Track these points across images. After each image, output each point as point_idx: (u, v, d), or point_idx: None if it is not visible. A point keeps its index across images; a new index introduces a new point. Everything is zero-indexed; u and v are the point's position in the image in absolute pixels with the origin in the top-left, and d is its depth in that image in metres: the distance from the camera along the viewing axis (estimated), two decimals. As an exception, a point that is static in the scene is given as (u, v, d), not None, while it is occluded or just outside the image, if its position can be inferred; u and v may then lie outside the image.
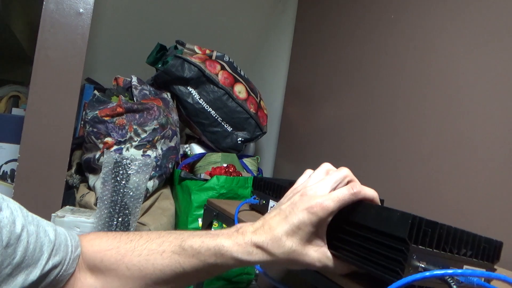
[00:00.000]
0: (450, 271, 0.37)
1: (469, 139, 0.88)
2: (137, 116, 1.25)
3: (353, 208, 0.46)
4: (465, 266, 0.46)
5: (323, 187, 0.45)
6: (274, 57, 1.83)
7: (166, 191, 1.44)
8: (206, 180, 1.36)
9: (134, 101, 1.32)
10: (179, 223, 1.38)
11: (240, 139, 1.50)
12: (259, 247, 0.43)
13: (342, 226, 0.48)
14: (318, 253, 0.44)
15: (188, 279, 0.47)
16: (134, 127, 1.25)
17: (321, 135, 1.42)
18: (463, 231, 0.45)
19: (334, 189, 0.46)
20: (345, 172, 0.48)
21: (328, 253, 0.46)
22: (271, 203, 0.82)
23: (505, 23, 0.83)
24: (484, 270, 0.48)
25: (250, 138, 1.52)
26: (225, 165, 1.46)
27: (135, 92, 1.32)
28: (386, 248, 0.43)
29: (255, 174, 1.55)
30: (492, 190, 0.82)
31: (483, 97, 0.86)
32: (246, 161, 1.59)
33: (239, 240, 0.44)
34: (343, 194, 0.44)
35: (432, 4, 1.03)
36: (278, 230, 0.43)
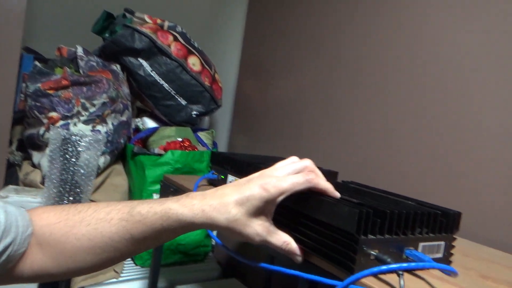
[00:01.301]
0: (384, 267, 0.39)
1: (420, 112, 0.93)
2: (85, 89, 1.18)
3: (309, 201, 0.49)
4: (421, 244, 0.49)
5: (282, 171, 0.48)
6: (228, 28, 1.79)
7: (118, 167, 1.39)
8: (160, 155, 1.33)
9: (80, 73, 1.24)
10: (133, 199, 1.35)
11: (194, 112, 1.48)
12: (206, 212, 0.44)
13: (299, 219, 0.51)
14: (260, 228, 0.46)
15: (137, 246, 0.47)
16: (82, 101, 1.18)
17: (277, 109, 1.43)
18: (416, 213, 0.48)
19: None
20: (306, 163, 0.50)
21: (270, 230, 0.47)
22: (230, 178, 0.83)
23: None
24: (442, 242, 0.52)
25: (205, 111, 1.49)
26: (179, 139, 1.44)
27: (81, 63, 1.24)
28: (337, 242, 0.46)
29: (210, 148, 1.54)
30: (449, 160, 0.88)
31: (437, 65, 0.91)
32: (201, 134, 1.57)
33: (187, 203, 0.45)
34: (298, 178, 0.46)
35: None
36: (228, 197, 0.45)
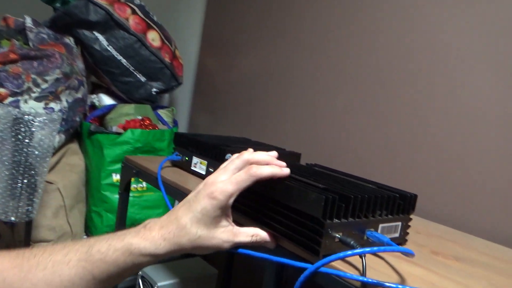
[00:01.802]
0: (349, 252, 0.42)
1: (381, 96, 0.97)
2: (35, 63, 1.11)
3: (277, 187, 0.50)
4: (380, 225, 0.52)
5: (224, 174, 0.48)
6: (189, 2, 1.73)
7: (74, 146, 1.34)
8: (119, 133, 1.29)
9: (30, 46, 1.15)
10: (91, 179, 1.31)
11: (154, 90, 1.43)
12: (167, 239, 0.45)
13: (268, 204, 0.52)
14: (225, 234, 0.47)
15: (99, 285, 0.45)
16: (33, 76, 1.11)
17: (240, 87, 1.42)
18: (376, 197, 0.51)
19: None
20: (245, 156, 0.50)
21: (235, 230, 0.48)
22: (195, 159, 0.83)
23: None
24: (399, 223, 0.55)
25: (165, 89, 1.46)
26: (139, 117, 1.40)
27: (31, 35, 1.16)
28: (305, 226, 0.48)
29: (171, 126, 1.52)
30: (406, 142, 0.92)
31: (395, 45, 0.94)
32: (161, 112, 1.53)
33: (147, 235, 0.45)
34: (240, 176, 0.47)
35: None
36: (183, 219, 0.45)
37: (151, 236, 0.45)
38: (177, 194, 0.75)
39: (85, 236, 1.33)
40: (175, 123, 1.60)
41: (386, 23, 0.95)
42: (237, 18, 1.45)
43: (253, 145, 0.91)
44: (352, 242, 0.46)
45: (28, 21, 1.17)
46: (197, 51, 1.65)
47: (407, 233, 0.58)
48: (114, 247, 0.44)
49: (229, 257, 1.22)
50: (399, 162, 0.90)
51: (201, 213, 0.45)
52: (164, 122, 1.50)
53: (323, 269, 0.43)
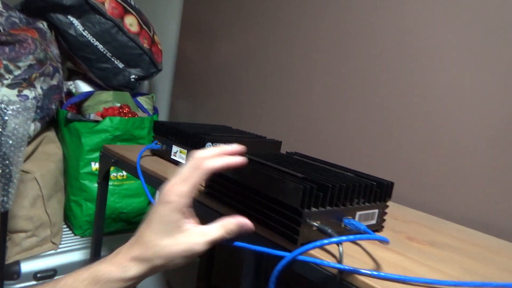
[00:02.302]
0: (326, 240, 0.43)
1: (360, 83, 0.97)
2: (7, 49, 1.07)
3: (257, 177, 0.51)
4: (358, 213, 0.53)
5: (176, 177, 0.45)
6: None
7: (51, 134, 1.31)
8: (97, 121, 1.26)
9: (0, 30, 1.11)
10: (69, 168, 1.29)
11: (133, 76, 1.41)
12: (134, 259, 0.42)
13: (248, 193, 0.53)
14: (192, 236, 0.43)
15: None
16: (4, 62, 1.07)
17: (220, 74, 1.40)
18: (354, 185, 0.51)
19: None
20: (195, 155, 0.46)
21: (202, 229, 0.45)
22: (174, 148, 0.82)
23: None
24: (376, 210, 0.56)
25: (144, 75, 1.43)
26: (118, 104, 1.37)
27: (1, 19, 1.11)
28: (283, 216, 0.48)
29: (151, 114, 1.49)
30: (384, 130, 0.93)
31: (370, 32, 0.95)
32: (141, 99, 1.51)
33: (113, 260, 0.43)
34: (190, 173, 0.44)
35: None
36: (145, 234, 0.43)
37: (117, 259, 0.42)
38: (157, 183, 0.74)
39: (64, 226, 1.31)
40: (155, 110, 1.58)
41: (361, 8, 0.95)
42: (216, 1, 1.42)
43: (233, 133, 0.90)
44: (329, 231, 0.46)
45: (-2, 5, 1.12)
46: (177, 37, 1.62)
47: (384, 220, 0.59)
48: (81, 278, 0.41)
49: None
50: (377, 149, 0.92)
51: (160, 222, 0.43)
52: (144, 110, 1.48)
53: (300, 257, 0.44)
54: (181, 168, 0.46)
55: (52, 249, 1.19)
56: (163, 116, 1.70)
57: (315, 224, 0.47)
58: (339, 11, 1.01)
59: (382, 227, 0.59)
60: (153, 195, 1.23)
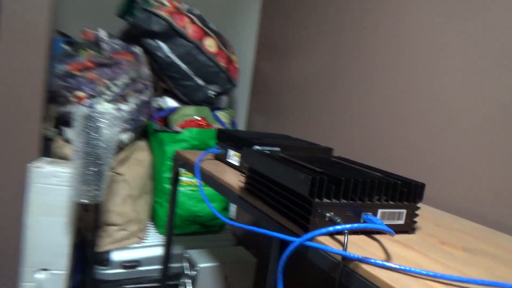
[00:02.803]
0: (331, 228, 0.45)
1: (417, 102, 0.95)
2: (107, 70, 1.28)
3: (277, 169, 0.55)
4: (379, 210, 0.54)
5: None
6: (245, 10, 1.83)
7: (142, 143, 1.50)
8: (178, 132, 1.42)
9: (103, 55, 1.34)
10: (155, 173, 1.47)
11: (211, 92, 1.55)
12: None
13: (269, 184, 0.58)
14: None
15: None
16: (105, 81, 1.28)
17: (293, 89, 1.47)
18: (373, 181, 0.53)
19: None
20: None
21: None
22: (230, 152, 0.90)
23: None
24: (403, 210, 0.57)
25: (221, 91, 1.56)
26: (197, 117, 1.52)
27: (105, 46, 1.34)
28: (296, 204, 0.52)
29: (228, 127, 1.62)
30: (438, 142, 0.90)
31: (425, 64, 0.93)
32: (219, 113, 1.64)
33: None
34: None
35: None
36: None
37: None
38: (214, 183, 0.82)
39: (150, 224, 1.49)
40: (233, 123, 1.70)
41: (429, 41, 0.94)
42: (289, 23, 1.51)
43: (291, 141, 0.96)
44: (338, 221, 0.49)
45: (103, 34, 1.35)
46: (254, 55, 1.74)
47: (415, 222, 0.58)
48: None
49: (268, 249, 1.27)
50: (428, 158, 0.88)
51: None
52: (221, 123, 1.61)
53: (308, 243, 0.48)
54: None
55: (137, 243, 1.35)
56: (240, 129, 1.82)
57: (327, 214, 0.50)
58: (393, 29, 1.01)
59: (413, 229, 0.59)
60: (219, 200, 1.33)
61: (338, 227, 0.46)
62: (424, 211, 0.77)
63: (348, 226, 0.46)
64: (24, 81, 1.17)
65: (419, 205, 0.82)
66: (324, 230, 0.46)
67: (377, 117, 1.06)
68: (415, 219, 0.58)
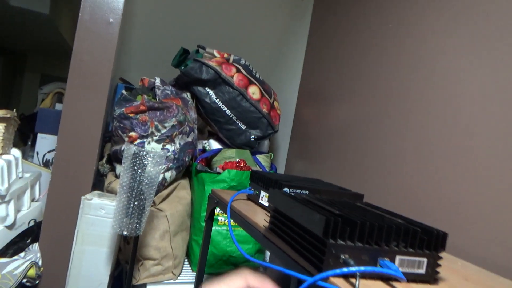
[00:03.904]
0: (338, 270, 0.47)
1: (449, 150, 0.95)
2: (158, 113, 1.40)
3: (296, 209, 0.58)
4: (398, 257, 0.55)
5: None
6: (290, 60, 1.93)
7: (184, 182, 1.58)
8: (219, 173, 1.49)
9: (156, 100, 1.46)
10: (194, 211, 1.53)
11: (253, 136, 1.62)
12: None
13: (288, 223, 0.60)
14: None
15: None
16: (155, 123, 1.40)
17: (329, 135, 1.51)
18: (390, 226, 0.54)
19: None
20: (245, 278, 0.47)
21: None
22: (262, 193, 0.94)
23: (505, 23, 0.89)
24: (424, 259, 0.56)
25: (262, 136, 1.63)
26: (237, 160, 1.58)
27: (158, 92, 1.47)
28: (311, 244, 0.54)
29: (267, 170, 1.66)
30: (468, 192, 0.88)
31: (483, 103, 0.93)
32: (260, 157, 1.70)
33: None
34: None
35: (437, 10, 1.09)
36: None
37: None
38: (243, 222, 0.86)
39: (186, 261, 1.52)
40: (272, 167, 1.74)
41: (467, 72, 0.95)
42: (328, 73, 1.57)
43: (321, 185, 0.98)
44: (352, 263, 0.50)
45: (157, 81, 1.49)
46: (296, 102, 1.81)
47: (437, 272, 0.57)
48: None
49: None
50: (460, 209, 0.85)
51: None
52: (261, 166, 1.66)
53: (320, 282, 0.49)
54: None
55: (172, 279, 1.39)
56: (280, 172, 1.85)
57: (342, 256, 0.52)
58: (426, 82, 1.03)
59: (435, 279, 0.57)
60: (253, 242, 1.34)
61: (352, 268, 0.47)
62: (455, 263, 0.75)
63: (361, 268, 0.47)
64: (86, 122, 1.31)
65: (448, 256, 0.79)
66: (337, 271, 0.47)
67: (408, 167, 1.05)
68: (438, 269, 0.57)
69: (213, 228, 1.46)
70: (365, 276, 0.53)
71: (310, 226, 0.54)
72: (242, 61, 1.63)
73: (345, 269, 0.47)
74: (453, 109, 0.96)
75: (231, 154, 1.62)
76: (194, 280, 1.41)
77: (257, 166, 1.65)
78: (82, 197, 1.24)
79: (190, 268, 1.51)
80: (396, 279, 0.53)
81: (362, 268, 0.47)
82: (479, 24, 0.92)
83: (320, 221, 0.52)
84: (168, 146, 1.43)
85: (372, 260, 0.53)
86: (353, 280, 0.51)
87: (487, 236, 0.81)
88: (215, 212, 1.49)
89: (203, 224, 1.46)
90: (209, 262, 1.45)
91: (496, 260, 0.77)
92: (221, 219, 1.47)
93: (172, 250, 1.41)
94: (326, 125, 1.53)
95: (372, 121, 1.26)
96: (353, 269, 0.46)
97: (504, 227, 0.79)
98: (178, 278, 1.41)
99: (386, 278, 0.54)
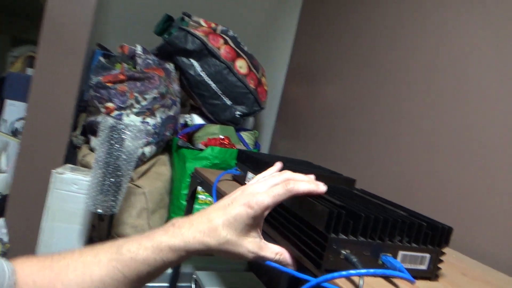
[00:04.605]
0: (344, 272, 0.42)
1: (445, 137, 0.91)
2: (138, 84, 1.31)
3: (295, 199, 0.52)
4: (400, 252, 0.50)
5: (263, 186, 0.49)
6: (280, 36, 1.84)
7: (164, 158, 1.51)
8: (201, 149, 1.42)
9: (137, 69, 1.37)
10: (173, 188, 1.46)
11: (238, 112, 1.55)
12: (196, 237, 0.45)
13: (283, 214, 0.55)
14: (252, 244, 0.46)
15: (129, 285, 0.45)
16: (135, 94, 1.30)
17: (318, 115, 1.45)
18: (395, 220, 0.49)
19: None
20: (286, 175, 0.51)
21: (261, 245, 0.47)
22: (249, 174, 0.88)
23: None
24: (427, 254, 0.52)
25: (248, 112, 1.56)
26: (221, 136, 1.52)
27: (139, 61, 1.37)
28: (311, 238, 0.49)
29: (251, 148, 1.60)
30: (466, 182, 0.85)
31: (485, 96, 0.89)
32: (244, 134, 1.64)
33: (176, 233, 0.45)
34: (278, 190, 0.47)
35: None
36: (216, 220, 0.46)
37: (181, 233, 0.45)
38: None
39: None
40: (257, 145, 1.69)
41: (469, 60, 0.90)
42: (319, 51, 1.50)
43: (313, 168, 0.92)
44: (354, 260, 0.45)
45: (139, 49, 1.39)
46: (284, 80, 1.74)
47: (439, 268, 0.53)
48: (144, 246, 0.44)
49: (279, 277, 1.22)
50: (458, 200, 0.83)
51: (235, 219, 0.45)
52: (245, 144, 1.60)
53: (326, 284, 0.44)
54: (273, 180, 0.50)
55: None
56: (264, 151, 1.80)
57: (343, 252, 0.47)
58: (425, 62, 0.98)
59: (436, 276, 0.54)
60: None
61: (352, 271, 0.42)
62: (450, 256, 0.72)
63: (363, 271, 0.42)
64: (59, 89, 1.21)
65: (445, 249, 0.76)
66: (345, 272, 0.42)
67: (404, 152, 1.01)
68: (440, 265, 0.53)
69: (193, 206, 1.40)
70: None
71: (310, 219, 0.49)
72: (230, 33, 1.54)
73: (352, 271, 0.42)
74: (457, 92, 0.91)
75: (215, 130, 1.55)
76: (172, 260, 1.37)
77: (241, 143, 1.59)
78: (53, 170, 1.15)
79: (168, 247, 1.45)
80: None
81: (366, 270, 0.42)
82: None
83: (322, 214, 0.46)
84: (148, 120, 1.34)
85: (374, 255, 0.49)
86: (355, 278, 0.47)
87: (482, 228, 0.79)
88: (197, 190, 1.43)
89: (183, 202, 1.39)
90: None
91: (491, 253, 0.75)
92: (202, 197, 1.41)
93: (149, 228, 1.35)
94: (316, 104, 1.47)
95: (364, 101, 1.21)
96: (361, 271, 0.42)
97: (498, 218, 0.76)
98: (155, 257, 1.36)
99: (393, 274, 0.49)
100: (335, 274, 0.43)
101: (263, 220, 0.48)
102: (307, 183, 0.50)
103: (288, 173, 0.52)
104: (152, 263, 0.44)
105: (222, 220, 0.46)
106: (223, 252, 0.46)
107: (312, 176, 0.54)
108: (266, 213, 0.47)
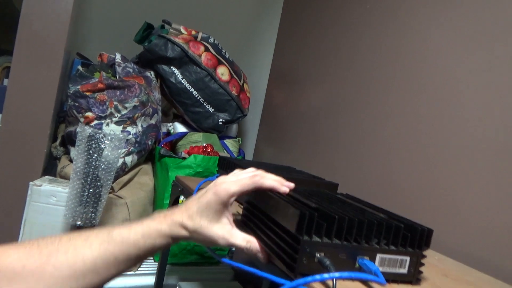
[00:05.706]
0: (318, 276, 0.41)
1: (429, 141, 0.91)
2: (118, 92, 1.29)
3: (270, 201, 0.53)
4: (378, 255, 0.49)
5: (233, 177, 0.54)
6: (262, 41, 1.85)
7: (147, 167, 1.48)
8: (184, 158, 1.40)
9: (116, 78, 1.35)
10: (156, 198, 1.43)
11: (221, 120, 1.54)
12: (182, 225, 0.51)
13: (258, 215, 0.55)
14: (222, 230, 0.51)
15: (118, 268, 0.49)
16: (115, 103, 1.28)
17: (302, 120, 1.45)
18: (371, 222, 0.48)
19: None
20: (256, 172, 0.56)
21: (232, 232, 0.52)
22: (230, 181, 0.87)
23: (502, 19, 0.85)
24: (407, 257, 0.51)
25: (230, 119, 1.55)
26: (205, 144, 1.50)
27: (118, 69, 1.35)
28: (284, 241, 0.48)
29: (235, 155, 1.59)
30: (447, 183, 0.85)
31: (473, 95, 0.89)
32: (227, 142, 1.62)
33: (162, 220, 0.51)
34: (245, 180, 0.52)
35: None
36: (192, 208, 0.52)
37: (169, 220, 0.51)
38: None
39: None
40: (241, 152, 1.67)
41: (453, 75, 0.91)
42: (300, 56, 1.50)
43: (295, 173, 0.92)
44: (327, 263, 0.44)
45: (118, 57, 1.37)
46: (266, 86, 1.74)
47: (420, 272, 0.53)
48: (134, 230, 0.50)
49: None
50: (439, 201, 0.83)
51: (206, 206, 0.51)
52: (228, 151, 1.59)
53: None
54: (241, 173, 0.55)
55: (132, 270, 1.30)
56: (248, 158, 1.79)
57: (317, 255, 0.46)
58: (405, 65, 0.98)
59: (418, 279, 0.53)
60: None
61: (325, 275, 0.41)
62: (432, 258, 0.71)
63: (336, 274, 0.41)
64: (36, 99, 1.18)
65: (427, 251, 0.76)
66: (318, 276, 0.41)
67: (387, 155, 1.01)
68: (421, 269, 0.52)
69: (177, 216, 1.37)
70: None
71: (283, 221, 0.48)
72: (211, 40, 1.53)
73: (325, 275, 0.41)
74: (440, 93, 0.92)
75: (198, 138, 1.53)
76: (156, 271, 1.33)
77: (225, 151, 1.58)
78: (30, 183, 1.12)
79: (151, 258, 1.42)
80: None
81: (339, 274, 0.41)
82: None
83: (293, 216, 0.45)
84: (129, 129, 1.32)
85: (351, 258, 0.48)
86: (329, 282, 0.46)
87: (463, 229, 0.79)
88: (179, 200, 1.40)
89: (167, 212, 1.37)
90: (172, 252, 1.37)
91: (471, 253, 0.75)
92: (186, 207, 1.39)
93: (132, 239, 1.32)
94: (298, 109, 1.47)
95: (347, 105, 1.21)
96: (335, 274, 0.41)
97: (480, 218, 0.76)
98: (139, 269, 1.33)
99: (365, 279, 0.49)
100: (309, 278, 0.42)
101: (231, 207, 0.53)
102: (273, 180, 0.54)
103: (259, 171, 0.56)
104: (142, 246, 0.49)
105: (196, 207, 0.51)
106: (201, 237, 0.51)
107: (282, 179, 0.57)
108: (232, 199, 0.52)
